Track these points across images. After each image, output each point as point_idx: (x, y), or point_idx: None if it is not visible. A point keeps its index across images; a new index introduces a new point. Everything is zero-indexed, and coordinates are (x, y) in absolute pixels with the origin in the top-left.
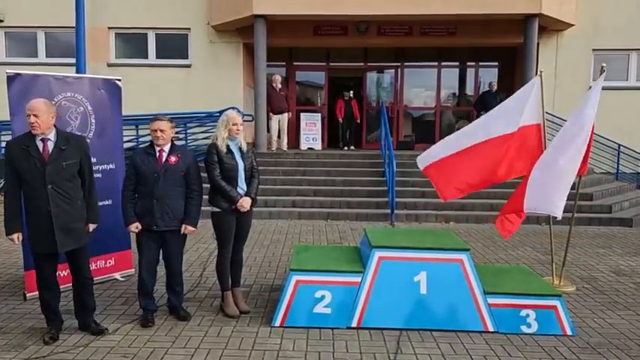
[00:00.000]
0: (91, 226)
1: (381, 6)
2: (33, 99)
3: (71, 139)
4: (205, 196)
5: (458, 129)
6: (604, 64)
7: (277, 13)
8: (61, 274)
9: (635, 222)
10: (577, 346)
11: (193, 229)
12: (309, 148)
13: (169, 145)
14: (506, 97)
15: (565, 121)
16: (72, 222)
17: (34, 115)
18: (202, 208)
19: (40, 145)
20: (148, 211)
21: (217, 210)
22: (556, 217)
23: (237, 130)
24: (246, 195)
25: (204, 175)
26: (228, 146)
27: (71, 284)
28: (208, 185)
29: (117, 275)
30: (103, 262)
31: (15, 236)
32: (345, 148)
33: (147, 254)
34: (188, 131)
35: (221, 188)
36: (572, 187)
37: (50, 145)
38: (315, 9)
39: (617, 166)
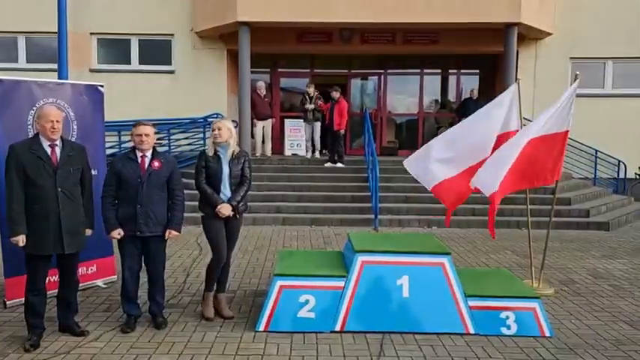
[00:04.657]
0: (88, 231)
1: (364, 14)
2: (45, 106)
3: (75, 147)
4: (194, 203)
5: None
6: (577, 72)
7: (261, 20)
8: (51, 279)
9: (611, 226)
10: (555, 347)
11: (177, 233)
12: (293, 154)
13: (151, 150)
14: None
15: None
16: (78, 225)
17: (57, 122)
18: (193, 214)
19: (48, 150)
20: (131, 216)
21: (202, 215)
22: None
23: (215, 134)
24: (228, 201)
25: (186, 181)
26: (216, 152)
27: (57, 290)
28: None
29: (99, 282)
30: (85, 268)
31: (20, 238)
32: (327, 162)
33: (129, 260)
34: (171, 137)
35: (203, 193)
36: (551, 192)
37: (58, 151)
38: (299, 16)
39: (595, 172)
